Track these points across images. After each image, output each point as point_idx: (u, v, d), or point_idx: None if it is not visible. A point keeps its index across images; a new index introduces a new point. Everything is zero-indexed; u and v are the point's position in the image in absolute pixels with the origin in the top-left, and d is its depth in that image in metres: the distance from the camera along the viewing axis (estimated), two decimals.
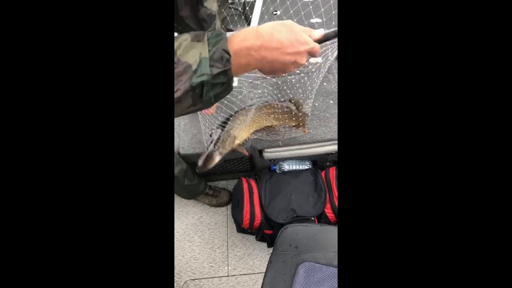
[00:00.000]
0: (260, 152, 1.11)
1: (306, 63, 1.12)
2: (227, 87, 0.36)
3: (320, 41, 0.43)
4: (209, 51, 0.34)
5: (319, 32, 0.42)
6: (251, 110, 0.94)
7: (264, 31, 0.37)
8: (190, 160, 1.14)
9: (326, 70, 0.83)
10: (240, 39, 0.36)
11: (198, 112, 0.95)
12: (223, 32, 0.36)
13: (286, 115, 0.96)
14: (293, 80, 0.94)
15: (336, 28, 0.43)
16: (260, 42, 0.36)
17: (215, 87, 0.35)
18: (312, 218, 1.05)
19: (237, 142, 0.93)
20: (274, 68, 0.39)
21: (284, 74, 0.86)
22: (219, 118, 0.94)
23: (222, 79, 0.34)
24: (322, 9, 1.11)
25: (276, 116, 0.96)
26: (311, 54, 0.41)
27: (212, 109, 0.91)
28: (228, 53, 0.34)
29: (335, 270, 0.65)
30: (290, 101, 0.98)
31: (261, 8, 1.26)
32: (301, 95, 0.95)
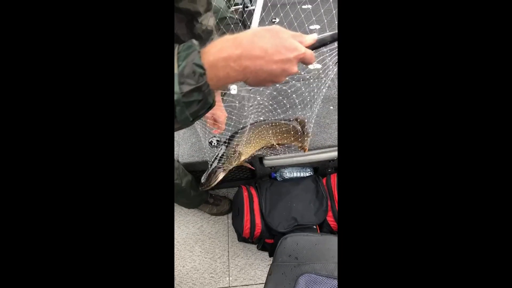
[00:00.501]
0: (261, 159, 1.10)
1: (302, 71, 1.12)
2: (205, 104, 0.33)
3: (314, 47, 0.39)
4: (178, 66, 0.30)
5: (312, 37, 0.38)
6: (258, 127, 0.93)
7: (244, 39, 0.33)
8: (190, 168, 1.13)
9: (329, 79, 0.81)
10: (216, 49, 0.33)
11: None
12: (195, 43, 0.33)
13: (291, 134, 0.95)
14: (289, 90, 0.93)
15: (333, 32, 0.40)
16: (239, 51, 0.32)
17: (190, 106, 0.32)
18: (314, 227, 1.03)
19: (242, 158, 0.92)
20: (260, 79, 0.35)
21: (277, 85, 0.84)
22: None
23: (196, 96, 0.31)
24: (326, 20, 1.10)
25: (282, 135, 0.95)
26: (304, 61, 0.37)
27: (222, 128, 0.88)
28: (201, 66, 0.31)
29: (336, 282, 0.62)
30: (296, 120, 0.97)
31: (260, 16, 1.26)
32: (299, 106, 0.94)
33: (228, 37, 0.34)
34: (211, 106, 0.34)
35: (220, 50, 0.33)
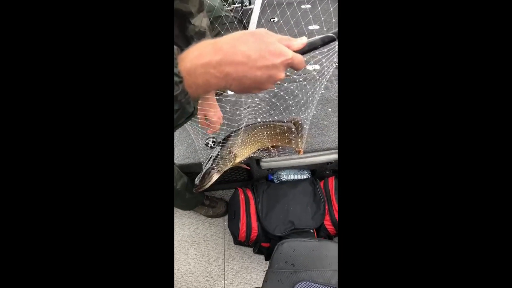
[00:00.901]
0: (258, 161, 1.08)
1: (298, 72, 1.10)
2: (183, 113, 0.31)
3: (303, 51, 0.37)
4: None
5: (301, 41, 0.36)
6: (253, 129, 0.91)
7: (224, 44, 0.31)
8: (186, 170, 1.11)
9: (325, 79, 0.79)
10: (194, 55, 0.31)
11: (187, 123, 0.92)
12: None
13: (286, 136, 0.93)
14: (282, 93, 0.91)
15: (323, 35, 0.38)
16: (219, 57, 0.30)
17: None
18: (311, 231, 1.01)
19: (237, 160, 0.90)
20: (244, 86, 0.33)
21: (261, 93, 0.82)
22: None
23: None
24: (323, 18, 1.08)
25: (277, 136, 0.93)
26: (293, 67, 0.35)
27: (216, 128, 0.85)
28: (176, 75, 0.29)
29: None
30: (291, 121, 0.95)
31: (259, 15, 1.24)
32: (293, 108, 0.92)
33: (207, 41, 0.32)
34: (191, 114, 0.32)
35: (199, 56, 0.31)
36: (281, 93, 0.89)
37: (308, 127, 0.97)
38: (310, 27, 1.29)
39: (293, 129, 0.95)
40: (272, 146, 0.96)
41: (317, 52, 0.41)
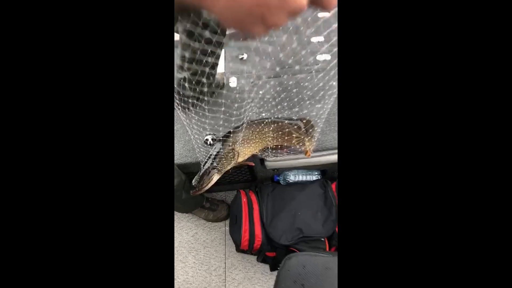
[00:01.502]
0: (262, 160, 0.98)
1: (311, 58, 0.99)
2: None
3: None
4: None
5: None
6: (258, 125, 0.81)
7: None
8: (183, 170, 1.02)
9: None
10: None
11: (182, 117, 0.82)
12: None
13: (293, 137, 0.83)
14: (291, 82, 0.80)
15: None
16: None
17: None
18: (322, 239, 0.90)
19: (240, 159, 0.81)
20: (240, 8, 0.22)
21: (282, 78, 0.68)
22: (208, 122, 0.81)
23: None
24: None
25: (284, 135, 0.83)
26: (290, 9, 0.23)
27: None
28: None
29: None
30: (301, 120, 0.84)
31: None
32: (306, 99, 0.81)
33: None
34: None
35: None
36: (291, 82, 0.78)
37: (322, 125, 0.85)
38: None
39: (302, 128, 0.84)
40: (276, 146, 0.86)
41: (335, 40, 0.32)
